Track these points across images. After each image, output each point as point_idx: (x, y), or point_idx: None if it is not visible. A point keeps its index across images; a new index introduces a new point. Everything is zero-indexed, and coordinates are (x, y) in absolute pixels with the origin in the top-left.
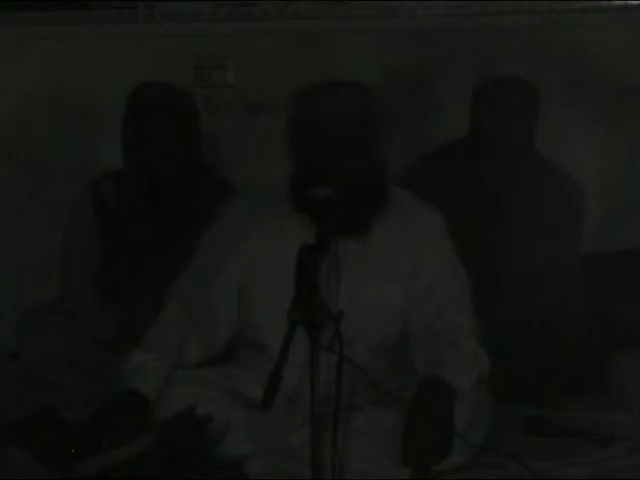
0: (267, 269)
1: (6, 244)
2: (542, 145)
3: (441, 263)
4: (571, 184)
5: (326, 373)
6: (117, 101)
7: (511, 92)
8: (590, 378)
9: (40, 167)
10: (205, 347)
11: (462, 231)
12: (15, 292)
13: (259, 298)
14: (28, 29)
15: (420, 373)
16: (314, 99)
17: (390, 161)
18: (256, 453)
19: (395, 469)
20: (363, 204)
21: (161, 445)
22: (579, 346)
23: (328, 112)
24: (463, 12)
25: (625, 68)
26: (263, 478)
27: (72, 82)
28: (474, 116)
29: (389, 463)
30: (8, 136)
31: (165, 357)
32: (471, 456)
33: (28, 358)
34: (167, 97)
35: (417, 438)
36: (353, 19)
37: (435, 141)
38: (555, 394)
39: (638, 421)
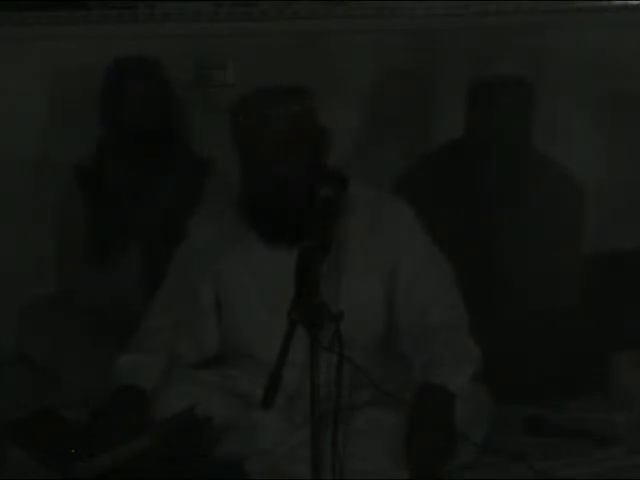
0: (242, 280)
1: (6, 244)
2: (542, 145)
3: (420, 257)
4: (572, 184)
5: (326, 373)
6: None
7: (507, 92)
8: (590, 378)
9: (40, 167)
10: (196, 350)
11: (462, 231)
12: (15, 292)
13: (239, 309)
14: (28, 29)
15: (418, 375)
16: (255, 104)
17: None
18: (256, 453)
19: (395, 469)
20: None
21: (161, 445)
22: (579, 346)
23: (267, 116)
24: (463, 12)
25: (625, 68)
26: (263, 478)
27: (72, 82)
28: (471, 117)
29: (389, 463)
30: (8, 135)
31: (157, 356)
32: (472, 456)
33: (28, 356)
34: (141, 64)
35: (419, 444)
36: (353, 19)
37: (435, 141)
38: (555, 394)
39: (638, 421)
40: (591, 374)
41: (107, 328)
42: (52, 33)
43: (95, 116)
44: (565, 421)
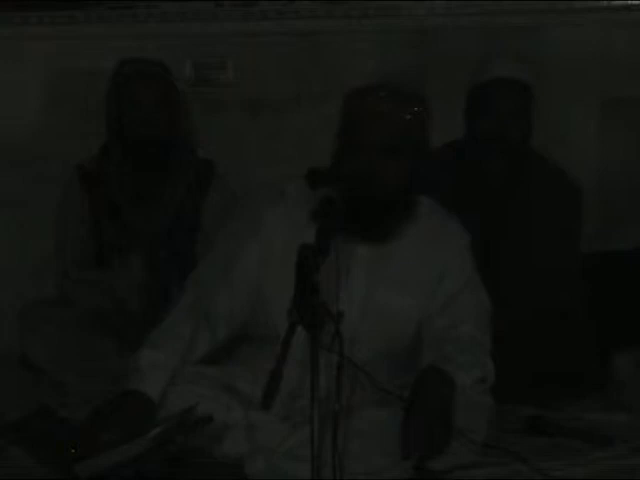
0: (282, 263)
1: (6, 244)
2: (541, 145)
3: (462, 280)
4: (570, 183)
5: (326, 373)
6: None
7: (508, 95)
8: (590, 378)
9: (40, 167)
10: (211, 341)
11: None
12: (15, 292)
13: (274, 291)
14: (28, 29)
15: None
16: (365, 99)
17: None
18: (256, 453)
19: (395, 469)
20: (392, 209)
21: (161, 445)
22: (579, 346)
23: (380, 114)
24: (463, 12)
25: (625, 67)
26: (263, 478)
27: (72, 82)
28: (471, 117)
29: (389, 463)
30: (8, 135)
31: (174, 355)
32: (474, 455)
33: (29, 356)
34: (148, 67)
35: (416, 426)
36: (353, 19)
37: (435, 141)
38: (555, 394)
39: (638, 421)
40: (591, 374)
41: (107, 328)
42: (52, 33)
43: (95, 116)
44: (565, 421)
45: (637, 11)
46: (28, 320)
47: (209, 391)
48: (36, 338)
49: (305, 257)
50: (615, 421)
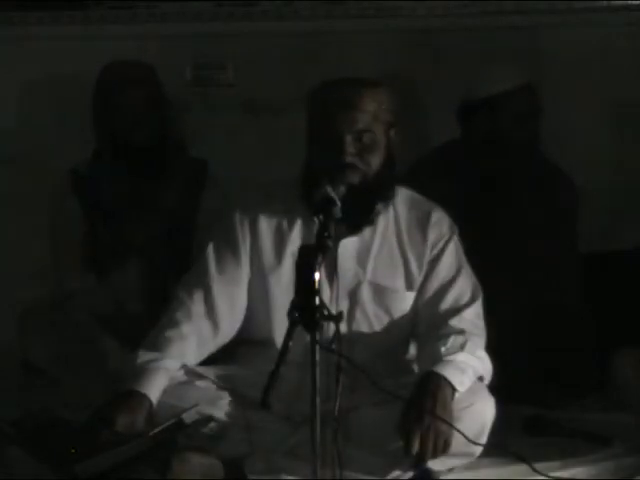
0: (274, 265)
1: (5, 244)
2: (541, 145)
3: (453, 268)
4: (567, 182)
5: (326, 373)
6: None
7: (517, 102)
8: (590, 378)
9: (40, 167)
10: (209, 341)
11: (461, 231)
12: (15, 293)
13: (268, 294)
14: (28, 29)
15: (422, 368)
16: (329, 91)
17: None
18: (256, 453)
19: (394, 469)
20: (370, 201)
21: (161, 445)
22: (579, 346)
23: (346, 102)
24: (463, 12)
25: (626, 67)
26: (263, 478)
27: (72, 82)
28: (473, 120)
29: (388, 463)
30: (8, 136)
31: (173, 356)
32: (474, 457)
33: (28, 358)
34: (134, 70)
35: (416, 427)
36: (353, 19)
37: (435, 141)
38: (555, 394)
39: (638, 421)
40: (591, 374)
41: (107, 329)
42: (52, 33)
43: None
44: (565, 421)
45: (637, 11)
46: (28, 321)
47: (208, 391)
48: (36, 339)
49: (306, 257)
50: (615, 421)
